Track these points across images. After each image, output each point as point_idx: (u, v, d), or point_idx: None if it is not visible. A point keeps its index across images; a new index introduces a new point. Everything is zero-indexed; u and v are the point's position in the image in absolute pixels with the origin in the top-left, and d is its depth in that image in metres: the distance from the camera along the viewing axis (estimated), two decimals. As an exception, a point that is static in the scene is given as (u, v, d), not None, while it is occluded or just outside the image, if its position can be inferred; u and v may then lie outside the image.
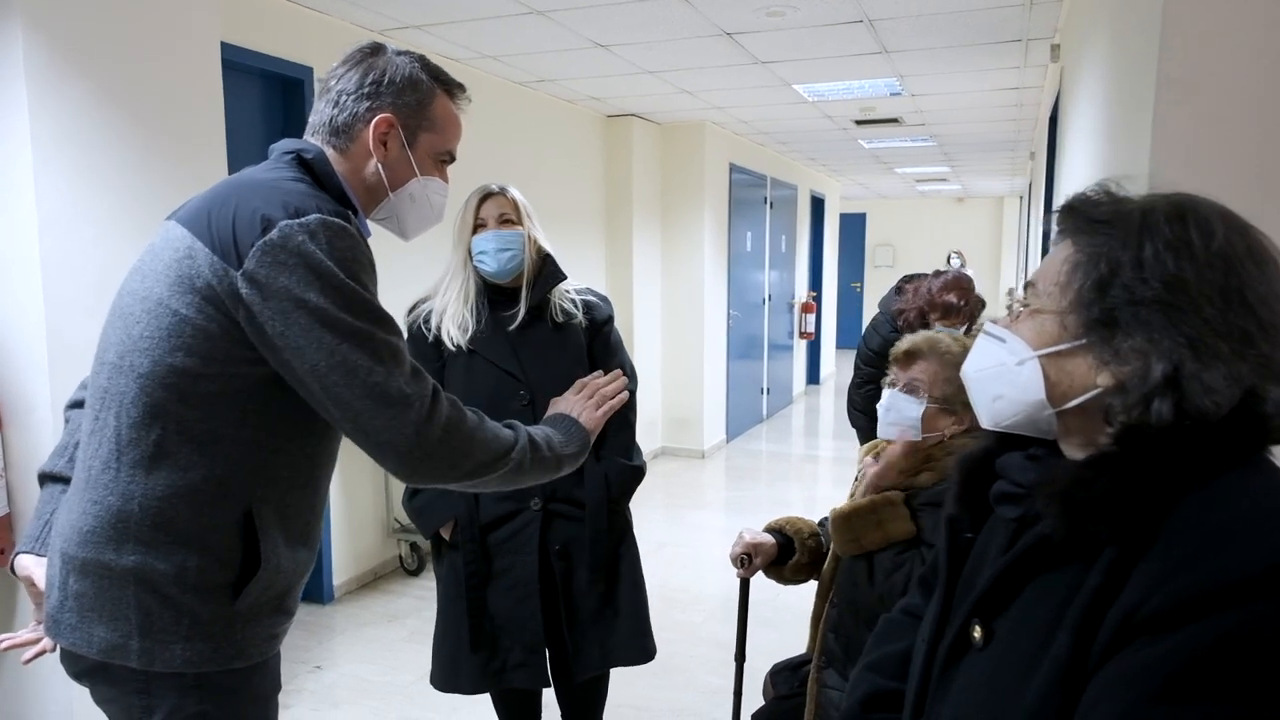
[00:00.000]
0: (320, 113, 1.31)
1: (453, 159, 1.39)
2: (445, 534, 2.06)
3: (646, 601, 2.19)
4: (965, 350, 1.66)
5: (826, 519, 1.97)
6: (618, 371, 1.53)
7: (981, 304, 3.52)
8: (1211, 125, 1.40)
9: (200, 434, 1.16)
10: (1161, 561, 0.70)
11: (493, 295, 2.06)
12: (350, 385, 1.12)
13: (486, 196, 2.06)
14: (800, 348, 9.63)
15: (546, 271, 2.06)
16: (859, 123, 6.39)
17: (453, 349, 2.02)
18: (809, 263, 9.82)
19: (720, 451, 7.01)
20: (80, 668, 1.24)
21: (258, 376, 1.17)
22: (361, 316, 1.14)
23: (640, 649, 2.15)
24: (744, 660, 1.99)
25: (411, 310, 2.14)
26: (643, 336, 6.43)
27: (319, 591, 3.79)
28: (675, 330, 6.74)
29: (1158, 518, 0.72)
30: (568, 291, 2.12)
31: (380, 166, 1.31)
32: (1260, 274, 0.77)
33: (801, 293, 9.46)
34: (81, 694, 2.10)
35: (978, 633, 0.83)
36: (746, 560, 1.85)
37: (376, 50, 1.32)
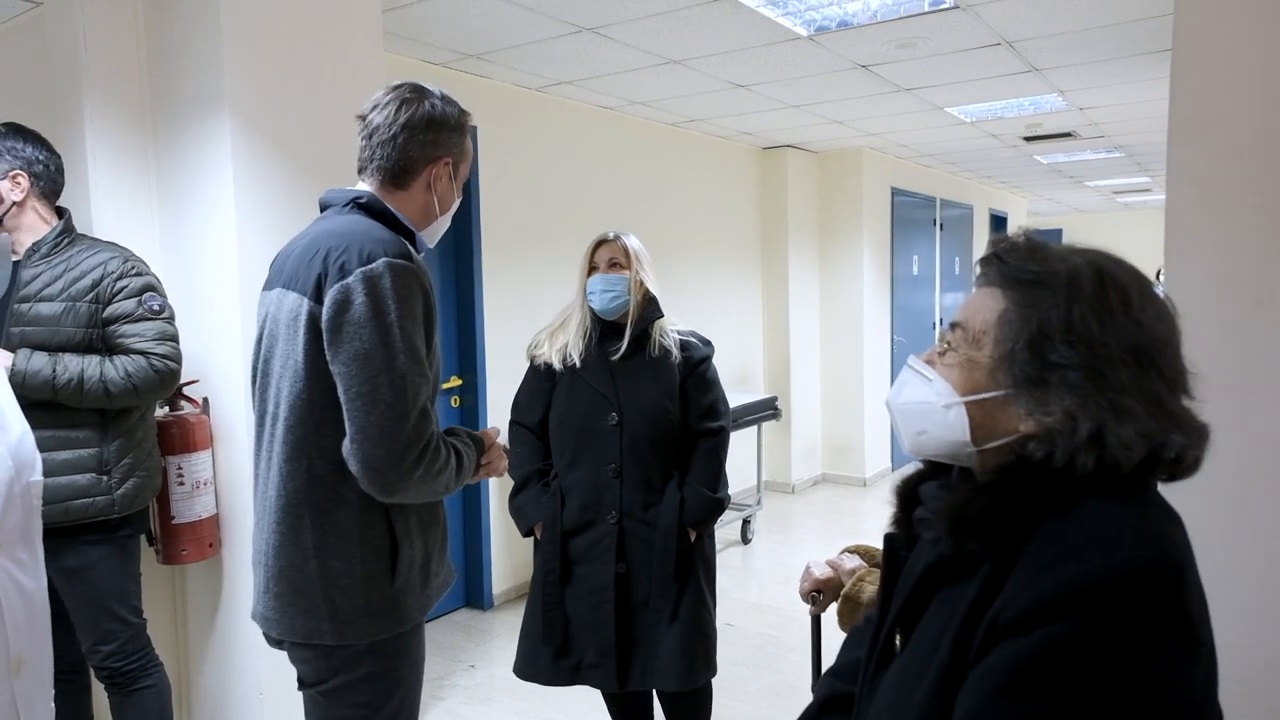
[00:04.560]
0: (372, 150, 1.51)
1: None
2: (537, 533, 2.30)
3: (705, 632, 2.25)
4: None
5: None
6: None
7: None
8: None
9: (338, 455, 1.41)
10: (1022, 573, 0.79)
11: (604, 329, 2.31)
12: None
13: (601, 243, 2.34)
14: (980, 373, 9.18)
15: (648, 309, 2.29)
16: (1028, 139, 6.13)
17: (563, 369, 2.29)
18: (989, 284, 9.37)
19: (884, 480, 6.86)
20: (279, 641, 1.54)
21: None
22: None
23: (680, 675, 2.19)
24: None
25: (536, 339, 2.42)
26: (799, 363, 6.47)
27: (480, 599, 4.18)
28: (834, 356, 6.71)
29: (1023, 537, 0.80)
30: (671, 331, 2.32)
31: (435, 198, 1.56)
32: (1165, 334, 0.85)
33: (980, 315, 9.04)
34: (271, 666, 2.49)
35: (898, 641, 0.93)
36: (816, 597, 1.90)
37: (420, 92, 1.52)
